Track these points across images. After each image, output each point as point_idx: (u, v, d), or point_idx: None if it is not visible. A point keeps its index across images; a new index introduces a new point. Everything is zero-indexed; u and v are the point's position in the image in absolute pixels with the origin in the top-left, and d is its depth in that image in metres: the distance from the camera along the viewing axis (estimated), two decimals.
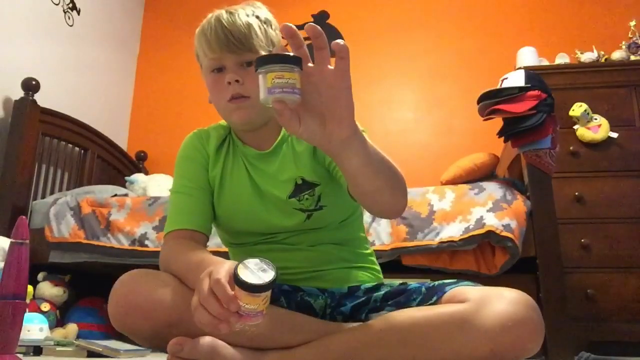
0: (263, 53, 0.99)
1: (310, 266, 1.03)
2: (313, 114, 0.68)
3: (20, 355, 1.02)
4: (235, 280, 0.67)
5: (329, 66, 0.66)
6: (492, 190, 1.92)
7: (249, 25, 0.98)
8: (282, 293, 0.95)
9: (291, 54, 0.64)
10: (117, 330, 0.87)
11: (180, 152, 1.10)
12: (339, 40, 0.64)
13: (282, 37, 0.65)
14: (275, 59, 0.63)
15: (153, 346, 0.88)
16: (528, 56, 2.75)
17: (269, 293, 0.69)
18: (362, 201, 0.85)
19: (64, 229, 2.20)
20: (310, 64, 0.66)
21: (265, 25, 1.02)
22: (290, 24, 0.64)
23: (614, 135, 2.30)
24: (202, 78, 1.08)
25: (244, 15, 0.99)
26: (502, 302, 0.80)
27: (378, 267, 1.12)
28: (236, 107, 0.98)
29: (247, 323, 0.69)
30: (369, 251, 1.12)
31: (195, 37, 1.03)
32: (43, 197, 2.55)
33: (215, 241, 1.97)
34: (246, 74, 0.97)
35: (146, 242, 2.09)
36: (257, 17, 1.01)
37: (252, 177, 1.05)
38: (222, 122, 1.13)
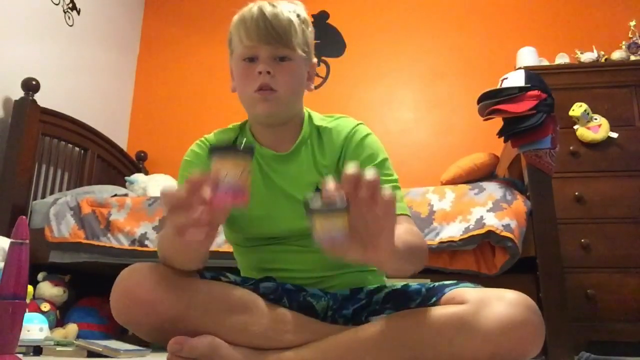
0: (299, 51, 1.00)
1: (319, 270, 1.02)
2: (356, 241, 0.69)
3: (20, 355, 1.03)
4: (209, 150, 0.67)
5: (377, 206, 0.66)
6: (492, 190, 1.91)
7: (290, 21, 0.99)
8: (285, 292, 0.95)
9: (335, 199, 0.65)
10: (119, 323, 0.87)
11: (185, 156, 1.10)
12: (387, 193, 0.66)
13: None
14: (321, 207, 0.65)
15: (155, 341, 0.88)
16: (528, 56, 2.75)
17: (246, 163, 0.67)
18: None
19: (64, 229, 2.20)
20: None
21: (303, 25, 1.03)
22: (354, 174, 0.65)
23: (614, 135, 2.30)
24: (230, 65, 1.08)
25: (287, 10, 1.00)
26: (502, 304, 0.79)
27: None
28: (263, 99, 0.98)
29: (232, 202, 0.66)
30: None
31: (233, 23, 1.03)
32: (43, 197, 2.55)
33: (215, 241, 1.97)
34: (278, 67, 0.98)
35: (146, 242, 2.09)
36: (298, 15, 1.02)
37: (271, 178, 1.03)
38: (230, 125, 1.12)
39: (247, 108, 1.04)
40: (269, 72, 0.96)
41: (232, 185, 0.66)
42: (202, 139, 1.11)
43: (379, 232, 0.69)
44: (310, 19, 1.06)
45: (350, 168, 0.65)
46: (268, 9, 0.98)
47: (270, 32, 0.96)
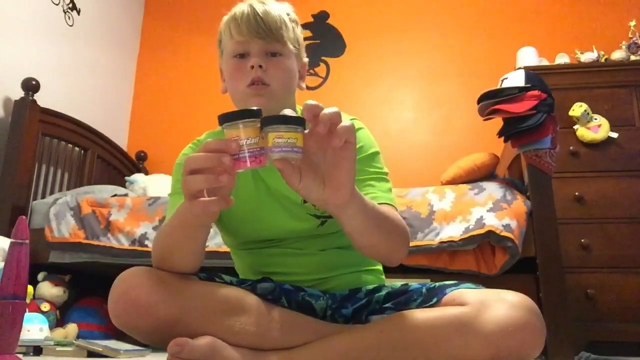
0: (290, 46, 1.01)
1: (317, 272, 1.02)
2: (314, 175, 0.72)
3: (20, 355, 1.03)
4: (223, 119, 0.68)
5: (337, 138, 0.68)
6: (492, 190, 1.91)
7: (281, 17, 1.00)
8: (283, 292, 0.95)
9: (294, 114, 0.67)
10: (117, 327, 0.87)
11: (177, 160, 1.09)
12: (346, 123, 0.68)
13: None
14: (278, 120, 0.66)
15: (153, 343, 0.88)
16: (528, 56, 2.75)
17: (257, 125, 0.68)
18: (361, 252, 0.90)
19: (64, 229, 2.20)
20: (319, 128, 0.68)
21: (293, 24, 1.04)
22: (316, 104, 0.68)
23: (614, 135, 2.30)
24: (220, 66, 1.08)
25: (277, 8, 1.01)
26: (503, 305, 0.79)
27: (380, 268, 1.12)
28: (255, 94, 0.97)
29: (252, 166, 0.68)
30: None
31: (223, 22, 1.04)
32: (43, 197, 2.55)
33: (215, 241, 1.97)
34: (270, 62, 0.98)
35: (146, 242, 2.09)
36: (288, 14, 1.04)
37: (263, 179, 1.03)
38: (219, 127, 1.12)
39: (239, 104, 1.03)
40: (261, 66, 0.97)
41: (251, 149, 0.68)
42: (195, 141, 1.11)
43: (337, 165, 0.71)
44: (299, 20, 1.07)
45: (310, 101, 0.68)
46: (258, 6, 0.99)
47: (262, 26, 0.97)
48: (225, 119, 0.69)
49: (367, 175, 0.99)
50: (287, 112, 0.68)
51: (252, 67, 0.97)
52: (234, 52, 1.00)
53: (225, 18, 1.04)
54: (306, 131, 0.70)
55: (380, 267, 1.12)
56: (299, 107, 1.10)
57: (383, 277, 1.11)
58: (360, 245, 0.87)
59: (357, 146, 1.01)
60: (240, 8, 1.01)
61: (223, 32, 1.04)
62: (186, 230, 0.83)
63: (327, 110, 0.68)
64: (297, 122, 0.67)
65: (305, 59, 1.10)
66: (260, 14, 0.98)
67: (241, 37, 0.99)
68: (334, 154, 0.70)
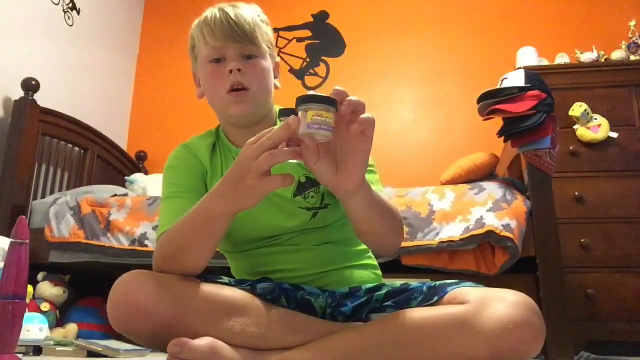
0: (265, 47, 1.03)
1: (315, 267, 1.02)
2: (330, 159, 0.77)
3: (20, 355, 1.03)
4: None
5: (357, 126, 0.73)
6: (492, 190, 1.92)
7: (253, 20, 1.01)
8: (282, 292, 0.95)
9: (328, 96, 0.72)
10: (116, 331, 0.87)
11: (167, 163, 1.08)
12: (369, 115, 0.73)
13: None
14: (315, 99, 0.72)
15: (153, 346, 0.88)
16: (528, 56, 2.75)
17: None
18: (361, 239, 0.94)
19: (64, 229, 2.20)
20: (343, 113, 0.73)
21: (265, 25, 1.05)
22: (344, 90, 0.73)
23: (614, 135, 2.30)
24: (194, 72, 1.08)
25: (248, 10, 1.02)
26: (503, 304, 0.79)
27: (376, 263, 1.12)
28: (237, 101, 0.99)
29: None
30: (365, 247, 1.11)
31: (194, 28, 1.04)
32: (43, 197, 2.55)
33: None
34: (247, 65, 0.99)
35: (146, 242, 2.09)
36: (258, 15, 1.05)
37: None
38: (206, 131, 1.12)
39: (219, 110, 1.04)
40: (239, 70, 0.97)
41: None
42: (183, 144, 1.11)
43: (353, 154, 0.75)
44: (269, 21, 1.09)
45: (339, 87, 0.73)
46: (230, 10, 1.00)
47: (236, 30, 0.98)
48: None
49: None
50: (320, 94, 0.73)
51: (231, 71, 0.97)
52: (209, 57, 1.01)
53: (195, 23, 1.04)
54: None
55: (375, 263, 1.12)
56: (277, 107, 1.10)
57: (379, 272, 1.11)
58: (362, 231, 0.90)
59: None
60: (211, 13, 1.01)
61: (196, 38, 1.04)
62: (215, 221, 0.83)
63: (354, 98, 0.73)
64: (332, 103, 0.72)
65: (278, 59, 1.12)
66: (233, 18, 0.98)
67: (216, 42, 0.99)
68: (351, 143, 0.75)
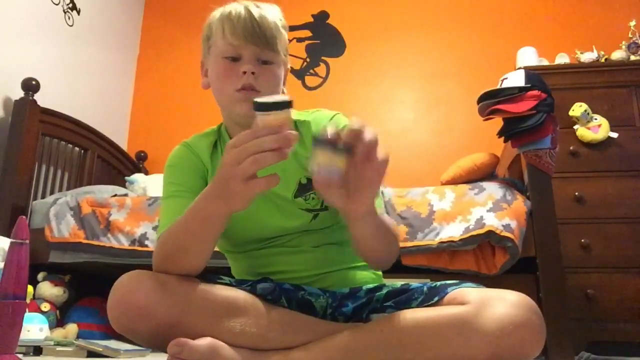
0: (282, 55, 1.02)
1: (315, 268, 1.02)
2: (341, 187, 0.76)
3: (20, 355, 1.03)
4: (258, 107, 0.73)
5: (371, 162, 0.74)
6: (492, 190, 1.91)
7: (276, 25, 1.00)
8: (283, 292, 0.95)
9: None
10: (116, 331, 0.87)
11: (167, 162, 1.08)
12: (384, 156, 0.74)
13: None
14: (327, 143, 0.72)
15: (152, 347, 0.87)
16: (528, 56, 2.75)
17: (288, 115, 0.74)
18: (357, 253, 0.96)
19: (64, 229, 2.20)
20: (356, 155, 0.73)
21: (284, 31, 1.04)
22: (359, 129, 0.73)
23: (614, 135, 2.30)
24: (203, 60, 1.07)
25: (272, 13, 1.01)
26: (503, 305, 0.79)
27: None
28: (245, 99, 0.97)
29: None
30: None
31: (215, 19, 1.03)
32: (43, 197, 2.55)
33: None
34: (262, 70, 0.98)
35: (146, 242, 2.09)
36: (280, 19, 1.03)
37: None
38: (208, 129, 1.12)
39: (225, 106, 1.03)
40: (253, 73, 0.97)
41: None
42: (183, 142, 1.11)
43: (365, 187, 0.77)
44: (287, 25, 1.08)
45: (356, 122, 0.73)
46: (255, 10, 0.98)
47: (258, 33, 0.97)
48: (261, 107, 0.74)
49: None
50: (332, 131, 0.73)
51: (244, 72, 0.97)
52: (225, 53, 0.99)
53: (217, 14, 1.03)
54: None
55: None
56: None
57: (380, 272, 1.11)
58: (363, 249, 0.93)
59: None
60: (235, 8, 0.99)
61: (215, 30, 1.02)
62: (210, 222, 0.84)
63: (369, 135, 0.72)
64: (345, 149, 0.73)
65: (289, 65, 1.11)
66: (257, 19, 0.97)
67: (236, 41, 0.98)
68: (363, 177, 0.76)
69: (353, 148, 0.73)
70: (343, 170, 0.74)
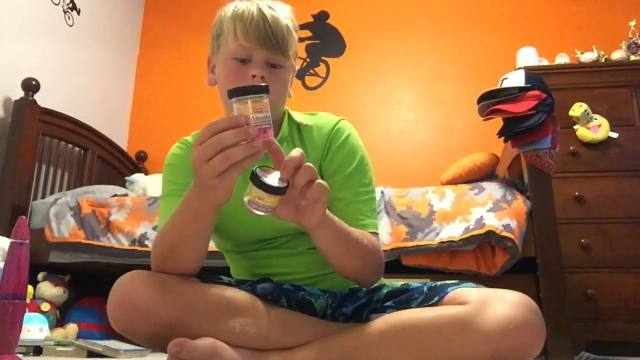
0: (292, 60, 1.01)
1: (312, 270, 1.01)
2: (290, 205, 0.78)
3: (20, 355, 1.03)
4: (233, 93, 0.74)
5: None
6: (492, 190, 1.92)
7: (288, 29, 0.98)
8: (283, 292, 0.95)
9: (284, 185, 0.75)
10: (116, 331, 0.87)
11: (166, 160, 1.08)
12: (320, 185, 0.76)
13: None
14: (264, 187, 0.73)
15: (153, 347, 0.87)
16: (528, 56, 2.75)
17: (264, 100, 0.75)
18: (332, 269, 0.94)
19: (64, 229, 2.20)
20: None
21: (295, 32, 1.02)
22: (295, 163, 0.75)
23: (614, 135, 2.29)
24: (210, 57, 1.07)
25: (285, 17, 0.99)
26: (504, 304, 0.79)
27: None
28: None
29: (264, 138, 0.74)
30: None
31: (227, 18, 1.00)
32: (43, 197, 2.55)
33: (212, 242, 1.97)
34: (271, 74, 0.97)
35: (146, 242, 2.09)
36: (292, 21, 1.02)
37: None
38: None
39: (229, 104, 1.03)
40: (262, 77, 0.95)
41: (258, 123, 0.74)
42: (182, 140, 1.10)
43: (310, 205, 0.77)
44: (297, 25, 1.06)
45: (296, 151, 0.75)
46: (268, 12, 0.96)
47: (270, 37, 0.95)
48: (235, 93, 0.74)
49: (355, 195, 1.00)
50: (272, 178, 0.75)
51: (254, 76, 0.95)
52: (235, 54, 0.98)
53: (228, 12, 1.00)
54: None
55: None
56: (285, 108, 1.09)
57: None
58: (330, 263, 0.91)
59: (345, 153, 1.02)
60: (248, 8, 0.97)
61: (226, 28, 1.00)
62: (199, 218, 0.84)
63: (304, 172, 0.74)
64: (281, 191, 0.74)
65: (296, 68, 1.10)
66: (270, 22, 0.95)
67: (247, 43, 0.96)
68: (308, 197, 0.76)
69: (291, 180, 0.75)
70: (274, 209, 0.76)
